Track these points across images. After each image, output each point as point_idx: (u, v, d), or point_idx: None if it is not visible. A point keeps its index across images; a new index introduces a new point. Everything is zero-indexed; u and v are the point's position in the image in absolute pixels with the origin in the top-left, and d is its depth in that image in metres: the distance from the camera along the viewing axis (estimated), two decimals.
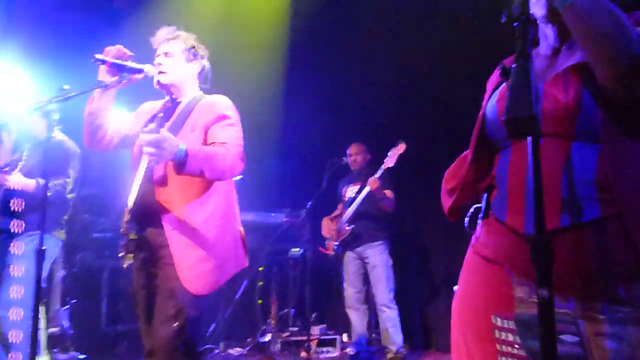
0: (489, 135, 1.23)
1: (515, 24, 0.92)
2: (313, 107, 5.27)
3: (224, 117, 2.09)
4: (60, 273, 4.49)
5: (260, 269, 4.66)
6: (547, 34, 1.23)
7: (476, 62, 2.82)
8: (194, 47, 2.19)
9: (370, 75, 4.92)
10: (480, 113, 1.26)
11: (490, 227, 1.22)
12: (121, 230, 2.04)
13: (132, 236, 2.01)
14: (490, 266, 1.19)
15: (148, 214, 1.99)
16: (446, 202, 1.32)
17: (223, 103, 2.15)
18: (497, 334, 1.14)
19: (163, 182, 1.99)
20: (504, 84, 1.23)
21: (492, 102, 1.24)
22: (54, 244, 3.23)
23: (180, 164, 1.81)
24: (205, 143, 2.04)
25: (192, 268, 1.95)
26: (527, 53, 0.88)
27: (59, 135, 3.31)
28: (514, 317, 1.12)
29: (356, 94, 5.16)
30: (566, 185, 1.06)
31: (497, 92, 1.25)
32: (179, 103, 2.16)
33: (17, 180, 3.03)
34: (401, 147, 4.09)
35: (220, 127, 2.06)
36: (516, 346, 1.11)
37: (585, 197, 1.06)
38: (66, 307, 4.61)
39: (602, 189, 1.05)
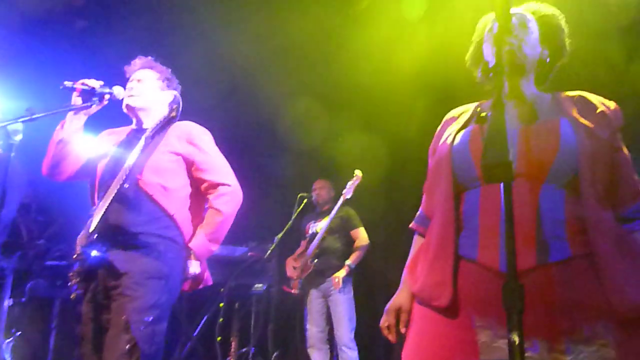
0: (458, 173, 1.22)
1: (490, 75, 0.97)
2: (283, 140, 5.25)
3: (202, 143, 2.13)
4: (6, 302, 4.24)
5: (220, 305, 4.50)
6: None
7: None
8: (167, 78, 2.20)
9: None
10: (445, 151, 1.25)
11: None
12: (74, 255, 1.95)
13: (87, 262, 1.94)
14: (442, 314, 1.16)
15: (115, 236, 1.94)
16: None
17: (198, 128, 2.17)
18: None
19: (135, 205, 1.96)
20: (474, 126, 1.25)
21: (462, 143, 1.23)
22: None
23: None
24: (187, 168, 2.10)
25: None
26: (502, 103, 0.92)
27: None
28: None
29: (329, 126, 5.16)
30: (539, 225, 1.09)
31: (465, 133, 1.25)
32: (145, 129, 2.11)
33: None
34: (357, 178, 4.08)
35: (203, 159, 2.11)
36: None
37: (556, 236, 1.08)
38: (9, 340, 4.35)
39: (571, 230, 1.08)
